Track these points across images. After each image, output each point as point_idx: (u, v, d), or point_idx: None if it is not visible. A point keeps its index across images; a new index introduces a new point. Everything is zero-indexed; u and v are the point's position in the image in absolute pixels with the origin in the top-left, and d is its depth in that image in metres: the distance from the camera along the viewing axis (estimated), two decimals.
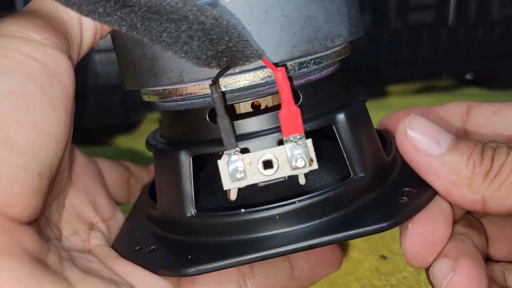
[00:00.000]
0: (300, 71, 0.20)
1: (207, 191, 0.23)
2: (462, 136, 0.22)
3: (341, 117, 0.21)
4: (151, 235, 0.22)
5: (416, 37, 0.51)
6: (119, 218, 0.26)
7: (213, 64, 0.18)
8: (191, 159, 0.21)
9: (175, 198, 0.21)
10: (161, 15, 0.18)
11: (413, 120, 0.21)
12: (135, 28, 0.18)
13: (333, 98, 0.22)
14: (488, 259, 0.23)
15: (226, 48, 0.18)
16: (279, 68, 0.19)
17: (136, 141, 0.48)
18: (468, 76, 0.57)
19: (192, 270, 0.19)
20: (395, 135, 0.22)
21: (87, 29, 0.21)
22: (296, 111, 0.19)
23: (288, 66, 0.20)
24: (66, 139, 0.20)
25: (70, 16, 0.21)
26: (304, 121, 0.20)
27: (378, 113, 0.55)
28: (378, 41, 0.49)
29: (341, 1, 0.21)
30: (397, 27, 0.49)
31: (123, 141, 0.50)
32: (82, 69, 0.42)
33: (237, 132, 0.20)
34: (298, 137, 0.19)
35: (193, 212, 0.21)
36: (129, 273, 0.21)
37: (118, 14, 0.18)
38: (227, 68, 0.18)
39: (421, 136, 0.21)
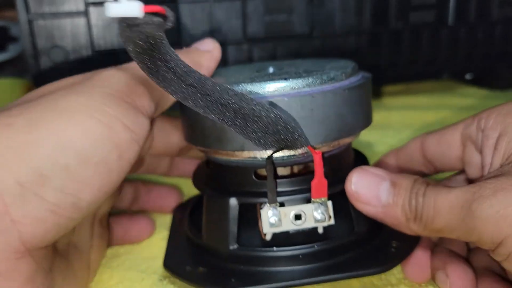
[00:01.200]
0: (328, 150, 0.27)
1: (245, 228, 0.28)
2: (395, 178, 0.24)
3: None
4: (197, 258, 0.27)
5: (416, 37, 0.51)
6: None
7: (271, 147, 0.23)
8: (238, 206, 0.26)
9: (222, 234, 0.26)
10: (246, 119, 0.21)
11: (355, 177, 0.25)
12: (221, 120, 0.21)
13: (346, 167, 0.28)
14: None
15: (284, 138, 0.22)
16: (317, 151, 0.24)
17: None
18: (468, 76, 0.57)
19: None
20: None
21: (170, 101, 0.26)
22: (324, 182, 0.25)
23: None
24: (122, 179, 0.22)
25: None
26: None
27: (377, 113, 0.55)
28: (378, 41, 0.49)
29: (362, 105, 0.27)
30: (397, 27, 0.49)
31: None
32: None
33: (277, 189, 0.26)
34: (323, 199, 0.25)
35: (235, 246, 0.26)
36: None
37: (209, 107, 0.21)
38: (281, 149, 0.24)
39: (363, 192, 0.24)
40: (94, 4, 0.39)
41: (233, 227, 0.26)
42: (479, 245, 0.22)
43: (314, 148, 0.25)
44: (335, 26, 0.47)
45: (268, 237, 0.26)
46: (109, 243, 0.30)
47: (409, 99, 0.61)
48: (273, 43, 0.45)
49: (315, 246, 0.26)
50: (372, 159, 0.44)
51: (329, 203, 0.26)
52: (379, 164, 0.34)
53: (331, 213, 0.26)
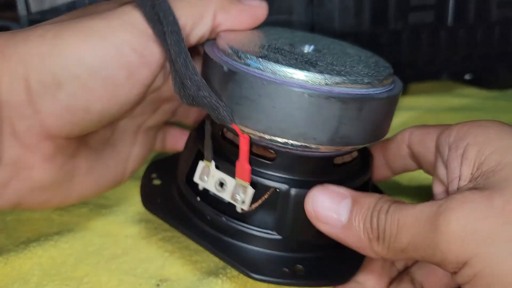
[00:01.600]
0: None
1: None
2: (358, 196, 0.24)
3: (284, 187, 0.25)
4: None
5: (416, 37, 0.51)
6: None
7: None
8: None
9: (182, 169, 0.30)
10: (194, 100, 0.25)
11: (315, 196, 0.24)
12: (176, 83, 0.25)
13: (305, 172, 0.26)
14: None
15: (212, 113, 0.24)
16: (245, 136, 0.24)
17: None
18: (467, 77, 0.57)
19: None
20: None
21: (198, 32, 0.26)
22: (247, 167, 0.25)
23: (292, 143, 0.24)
24: (135, 102, 0.26)
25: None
26: (270, 177, 0.26)
27: None
28: (378, 41, 0.49)
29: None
30: (396, 28, 0.49)
31: None
32: None
33: (230, 158, 0.26)
34: (245, 183, 0.25)
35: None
36: None
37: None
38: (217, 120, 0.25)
39: (323, 211, 0.23)
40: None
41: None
42: (443, 267, 0.20)
43: (243, 132, 0.24)
44: (334, 26, 0.47)
45: (200, 188, 0.28)
46: (152, 149, 0.34)
47: (408, 99, 0.61)
48: None
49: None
50: None
51: (250, 190, 0.25)
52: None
53: (248, 200, 0.25)
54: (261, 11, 0.29)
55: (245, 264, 0.25)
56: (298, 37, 0.30)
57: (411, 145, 0.29)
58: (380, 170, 0.32)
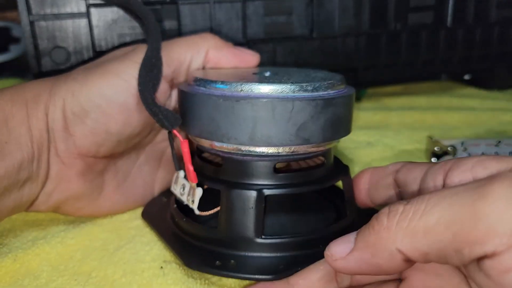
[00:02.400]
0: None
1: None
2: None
3: (224, 188, 0.28)
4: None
5: (415, 38, 0.51)
6: None
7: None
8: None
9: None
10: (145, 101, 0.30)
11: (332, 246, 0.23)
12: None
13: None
14: None
15: (156, 119, 0.29)
16: (184, 140, 0.28)
17: None
18: (467, 77, 0.58)
19: None
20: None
21: (195, 64, 0.33)
22: (190, 168, 0.28)
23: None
24: (148, 124, 0.32)
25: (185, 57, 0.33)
26: (216, 180, 0.29)
27: (376, 113, 0.55)
28: (377, 42, 0.50)
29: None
30: (396, 28, 0.50)
31: None
32: None
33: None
34: (192, 184, 0.29)
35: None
36: None
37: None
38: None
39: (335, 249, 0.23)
40: (95, 5, 0.39)
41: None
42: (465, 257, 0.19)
43: (184, 138, 0.28)
44: (334, 27, 0.47)
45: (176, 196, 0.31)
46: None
47: (408, 99, 0.61)
48: (273, 44, 0.45)
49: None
50: (371, 159, 0.44)
51: (198, 190, 0.28)
52: (354, 182, 0.32)
53: (196, 199, 0.28)
54: (251, 58, 0.34)
55: (183, 257, 0.28)
56: (273, 69, 0.33)
57: (398, 174, 0.28)
58: (361, 194, 0.31)
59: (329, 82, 0.28)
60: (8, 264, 0.29)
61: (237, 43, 0.44)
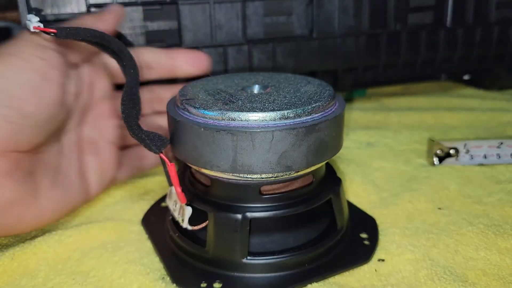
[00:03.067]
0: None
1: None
2: None
3: (211, 210, 0.28)
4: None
5: (414, 38, 0.51)
6: None
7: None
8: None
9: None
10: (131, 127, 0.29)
11: None
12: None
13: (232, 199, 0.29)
14: None
15: (144, 144, 0.28)
16: (171, 164, 0.27)
17: None
18: (466, 77, 0.58)
19: None
20: None
21: None
22: (179, 190, 0.28)
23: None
24: (60, 102, 0.31)
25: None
26: (204, 201, 0.29)
27: (377, 113, 0.55)
28: (377, 42, 0.50)
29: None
30: (395, 29, 0.50)
31: None
32: None
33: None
34: (182, 205, 0.29)
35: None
36: None
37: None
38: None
39: None
40: (96, 5, 0.39)
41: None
42: None
43: (170, 161, 0.28)
44: (334, 27, 0.47)
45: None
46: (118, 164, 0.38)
47: (407, 99, 0.61)
48: (272, 44, 0.45)
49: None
50: (371, 159, 0.44)
51: (187, 209, 0.28)
52: None
53: (186, 218, 0.28)
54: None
55: (172, 273, 0.28)
56: (264, 80, 0.33)
57: None
58: None
59: (314, 105, 0.27)
60: (6, 263, 0.29)
61: (237, 43, 0.44)
